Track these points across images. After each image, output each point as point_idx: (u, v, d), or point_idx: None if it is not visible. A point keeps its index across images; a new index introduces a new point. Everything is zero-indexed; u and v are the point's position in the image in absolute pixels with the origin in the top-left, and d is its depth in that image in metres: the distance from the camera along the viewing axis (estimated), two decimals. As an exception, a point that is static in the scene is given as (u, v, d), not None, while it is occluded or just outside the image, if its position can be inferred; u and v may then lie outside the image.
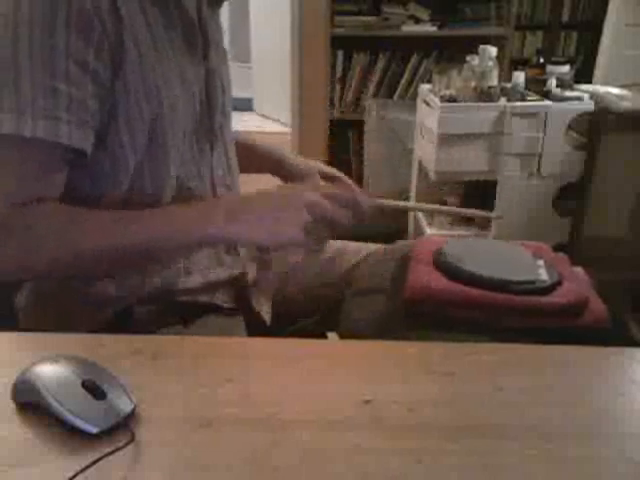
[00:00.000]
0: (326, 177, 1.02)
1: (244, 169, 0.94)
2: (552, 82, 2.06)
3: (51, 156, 0.66)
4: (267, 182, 1.11)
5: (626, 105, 2.02)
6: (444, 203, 2.38)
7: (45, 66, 0.62)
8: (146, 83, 0.69)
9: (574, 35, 3.36)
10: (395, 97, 3.07)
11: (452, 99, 2.02)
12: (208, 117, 0.80)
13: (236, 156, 0.91)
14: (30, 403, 0.53)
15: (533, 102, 2.00)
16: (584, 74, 2.95)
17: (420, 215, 2.41)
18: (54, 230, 0.67)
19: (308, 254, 0.98)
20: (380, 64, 3.03)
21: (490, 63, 1.99)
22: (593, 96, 2.05)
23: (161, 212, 0.74)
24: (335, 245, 1.02)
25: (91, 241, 0.67)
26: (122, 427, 0.51)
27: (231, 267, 0.85)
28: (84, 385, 0.52)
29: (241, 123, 4.47)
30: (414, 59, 3.01)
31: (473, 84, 2.00)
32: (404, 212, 2.52)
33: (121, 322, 0.76)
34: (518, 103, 1.99)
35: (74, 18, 0.62)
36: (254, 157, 1.01)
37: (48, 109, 0.63)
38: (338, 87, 3.08)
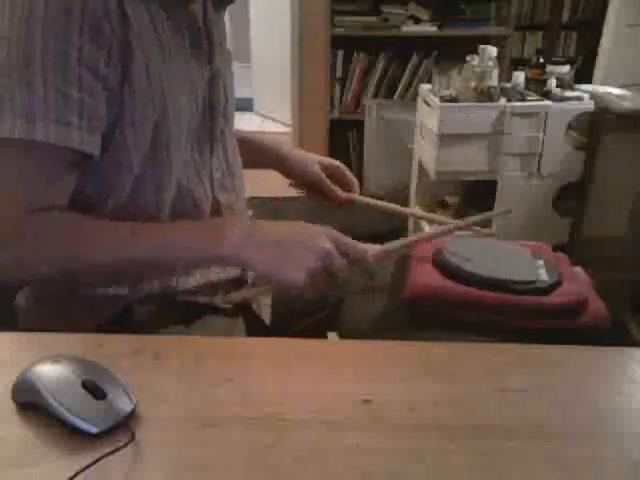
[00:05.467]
0: (326, 168, 1.02)
1: (246, 165, 0.94)
2: (552, 82, 2.06)
3: (61, 160, 0.66)
4: (270, 179, 1.11)
5: (626, 105, 2.02)
6: (444, 203, 2.38)
7: (58, 72, 0.62)
8: (152, 86, 0.69)
9: (574, 35, 3.36)
10: (395, 97, 3.07)
11: (452, 99, 2.02)
12: (210, 120, 0.80)
13: (239, 154, 0.91)
14: (30, 403, 0.53)
15: (533, 102, 2.00)
16: (584, 74, 2.95)
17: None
18: (58, 239, 0.67)
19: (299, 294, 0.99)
20: (380, 64, 3.03)
21: (490, 63, 1.99)
22: (593, 96, 2.04)
23: (170, 227, 0.74)
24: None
25: (94, 252, 0.68)
26: (122, 427, 0.51)
27: (231, 268, 0.85)
28: (84, 385, 0.52)
29: (241, 123, 4.46)
30: (414, 59, 3.01)
31: (473, 84, 2.00)
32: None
33: (121, 322, 0.76)
34: (518, 103, 1.99)
35: (87, 24, 0.62)
36: (255, 153, 1.01)
37: (60, 114, 0.63)
38: (338, 87, 3.08)
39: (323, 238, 0.69)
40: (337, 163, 1.04)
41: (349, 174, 1.03)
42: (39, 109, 0.62)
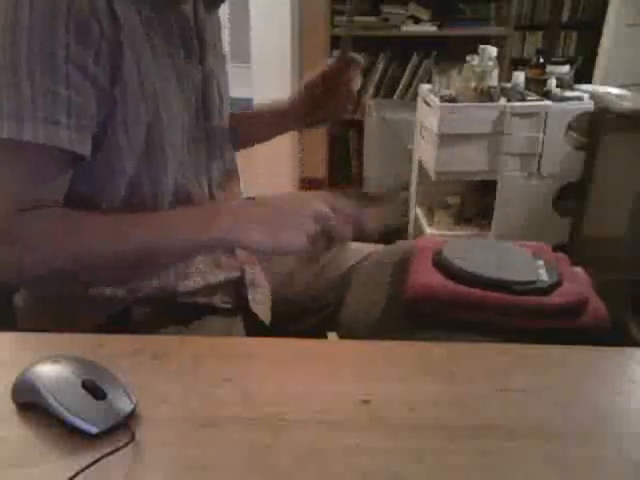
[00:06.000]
0: (334, 72, 1.00)
1: (268, 137, 0.94)
2: (552, 82, 2.05)
3: (51, 160, 0.66)
4: (266, 178, 1.11)
5: (626, 105, 2.02)
6: (444, 203, 2.38)
7: (45, 70, 0.62)
8: (144, 87, 0.69)
9: (574, 35, 3.36)
10: (395, 97, 3.07)
11: (452, 99, 2.02)
12: (205, 121, 0.80)
13: (252, 128, 0.91)
14: (30, 403, 0.53)
15: (533, 102, 2.00)
16: (584, 74, 2.95)
17: (420, 215, 2.41)
18: (53, 235, 0.66)
19: (305, 263, 0.98)
20: (380, 64, 3.03)
21: (490, 63, 1.99)
22: (593, 96, 2.04)
23: (164, 216, 0.74)
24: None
25: (90, 246, 0.67)
26: (122, 427, 0.51)
27: (229, 269, 0.85)
28: (84, 385, 0.52)
29: (241, 123, 4.46)
30: (414, 59, 3.01)
31: (473, 84, 2.00)
32: (404, 212, 2.53)
33: (120, 323, 0.76)
34: (518, 103, 1.99)
35: (73, 22, 0.62)
36: (272, 124, 1.00)
37: (48, 113, 0.63)
38: (338, 87, 3.08)
39: (317, 201, 0.68)
40: (342, 62, 1.00)
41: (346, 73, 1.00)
42: (27, 109, 0.62)
